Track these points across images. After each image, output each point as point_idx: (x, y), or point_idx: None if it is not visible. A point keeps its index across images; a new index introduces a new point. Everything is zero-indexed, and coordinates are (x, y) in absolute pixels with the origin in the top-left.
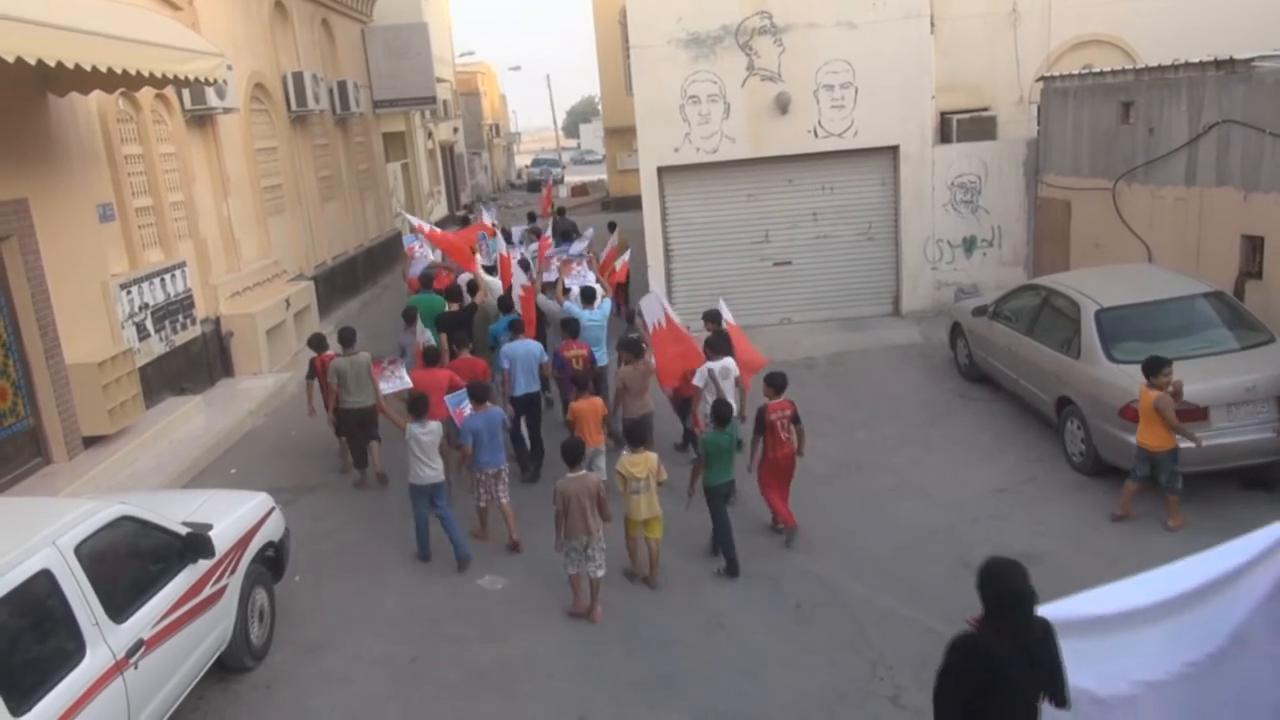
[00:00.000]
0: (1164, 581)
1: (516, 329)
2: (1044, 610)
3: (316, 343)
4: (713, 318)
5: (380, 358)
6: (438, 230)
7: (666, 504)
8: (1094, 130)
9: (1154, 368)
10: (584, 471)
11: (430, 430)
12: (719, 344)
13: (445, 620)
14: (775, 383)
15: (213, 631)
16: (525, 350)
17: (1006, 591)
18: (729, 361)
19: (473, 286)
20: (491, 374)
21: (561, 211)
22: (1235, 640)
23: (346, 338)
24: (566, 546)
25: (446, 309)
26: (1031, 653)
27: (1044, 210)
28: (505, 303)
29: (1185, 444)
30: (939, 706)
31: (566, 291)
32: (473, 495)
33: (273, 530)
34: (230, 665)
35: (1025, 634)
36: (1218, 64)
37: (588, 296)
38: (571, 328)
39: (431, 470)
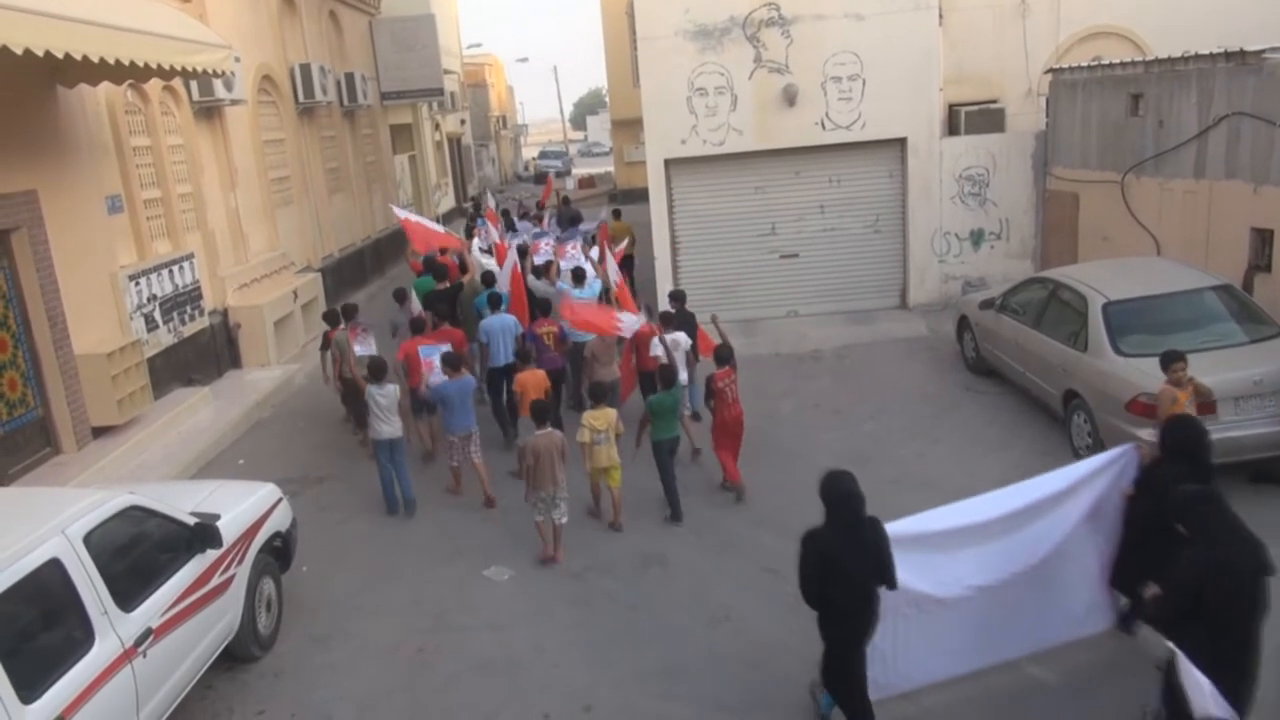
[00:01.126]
0: (998, 502)
1: (494, 304)
2: (893, 526)
3: (331, 317)
4: (677, 297)
5: (355, 325)
6: (412, 219)
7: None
8: (1103, 123)
9: (1164, 361)
10: (550, 429)
11: (387, 392)
12: (671, 319)
13: (452, 611)
14: (721, 354)
15: (220, 621)
16: (501, 324)
17: (841, 491)
18: (680, 335)
19: (462, 266)
20: (471, 345)
21: (566, 201)
22: (1058, 552)
23: (349, 312)
24: (535, 497)
25: (435, 288)
26: (865, 544)
27: (1052, 203)
28: (489, 279)
29: None
30: (804, 592)
31: (558, 271)
32: (447, 457)
33: (280, 521)
34: (238, 654)
35: (859, 528)
36: (1228, 56)
37: (578, 276)
38: (544, 306)
39: (389, 427)
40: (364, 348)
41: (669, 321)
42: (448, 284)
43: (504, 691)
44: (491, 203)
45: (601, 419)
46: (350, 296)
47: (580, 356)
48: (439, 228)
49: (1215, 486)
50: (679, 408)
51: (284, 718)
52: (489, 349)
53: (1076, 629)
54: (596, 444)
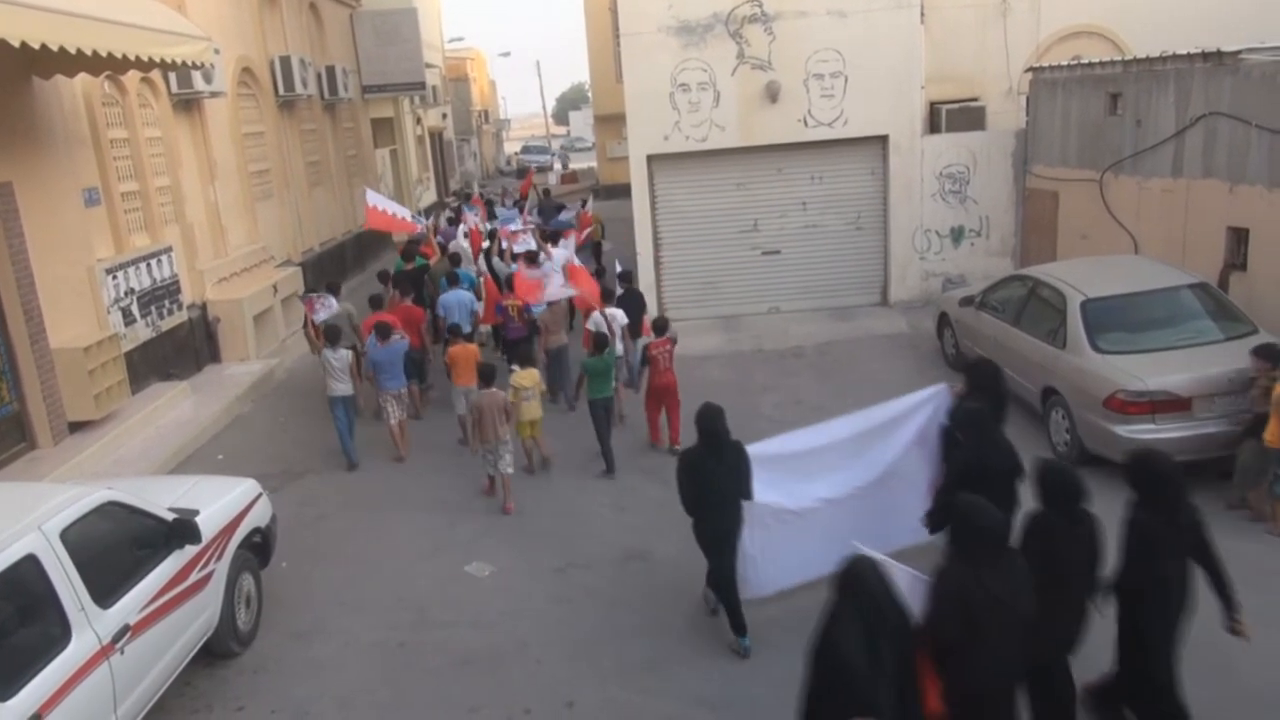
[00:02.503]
0: (839, 429)
1: (452, 281)
2: (753, 448)
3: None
4: (626, 278)
5: (310, 297)
6: (379, 205)
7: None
8: (1082, 121)
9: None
10: (493, 389)
11: (340, 356)
12: (610, 297)
13: (433, 607)
14: (658, 325)
15: (199, 617)
16: (457, 299)
17: (708, 419)
18: (618, 311)
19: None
20: (432, 318)
21: (547, 193)
22: (890, 472)
23: (333, 289)
24: (482, 450)
25: (403, 268)
26: (728, 462)
27: (1032, 201)
28: (455, 259)
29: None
30: (686, 507)
31: (515, 256)
32: (381, 418)
33: (260, 516)
34: (217, 651)
35: (723, 448)
36: (1205, 56)
37: (530, 258)
38: (506, 281)
39: (341, 386)
40: (321, 314)
41: (610, 299)
42: (411, 265)
43: (486, 687)
44: (476, 191)
45: (527, 379)
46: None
47: (534, 329)
48: (405, 214)
49: (1000, 413)
50: (611, 371)
51: (264, 714)
52: (445, 320)
53: (913, 536)
54: (524, 400)
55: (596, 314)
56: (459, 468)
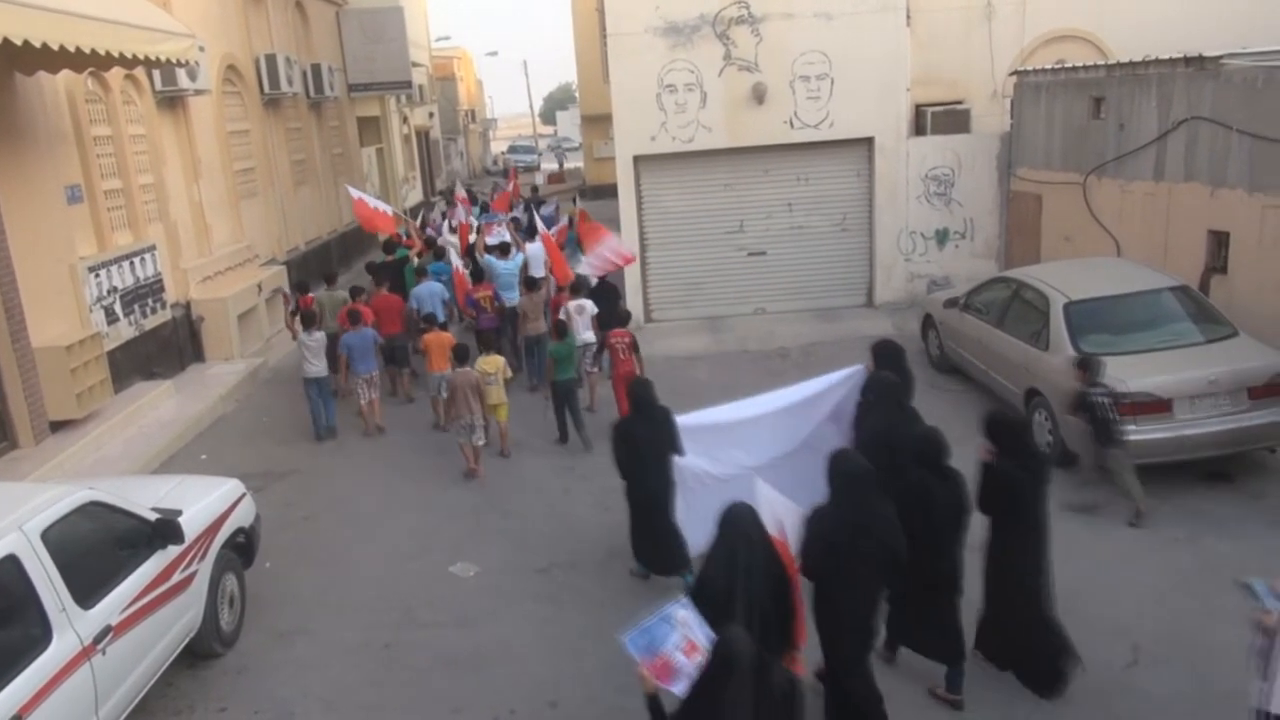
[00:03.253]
0: (764, 403)
1: (421, 273)
2: (682, 418)
3: (301, 287)
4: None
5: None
6: (366, 200)
7: None
8: (1066, 125)
9: None
10: (467, 368)
11: (315, 338)
12: (581, 286)
13: (418, 607)
14: (618, 316)
15: (182, 617)
16: (429, 290)
17: (638, 393)
18: (586, 302)
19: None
20: (406, 308)
21: (535, 189)
22: (806, 444)
23: (329, 278)
24: (455, 425)
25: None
26: (657, 428)
27: (1016, 203)
28: (438, 251)
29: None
30: (620, 471)
31: (488, 248)
32: (354, 396)
33: (243, 516)
34: (200, 651)
35: (653, 414)
36: (1187, 61)
37: (503, 250)
38: (477, 274)
39: (315, 367)
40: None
41: (577, 290)
42: (391, 257)
43: (470, 687)
44: (462, 192)
45: (490, 364)
46: (316, 290)
47: (514, 315)
48: (387, 209)
49: (907, 386)
50: (573, 355)
51: (247, 715)
52: (419, 310)
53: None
54: (487, 384)
55: (568, 304)
56: (439, 449)
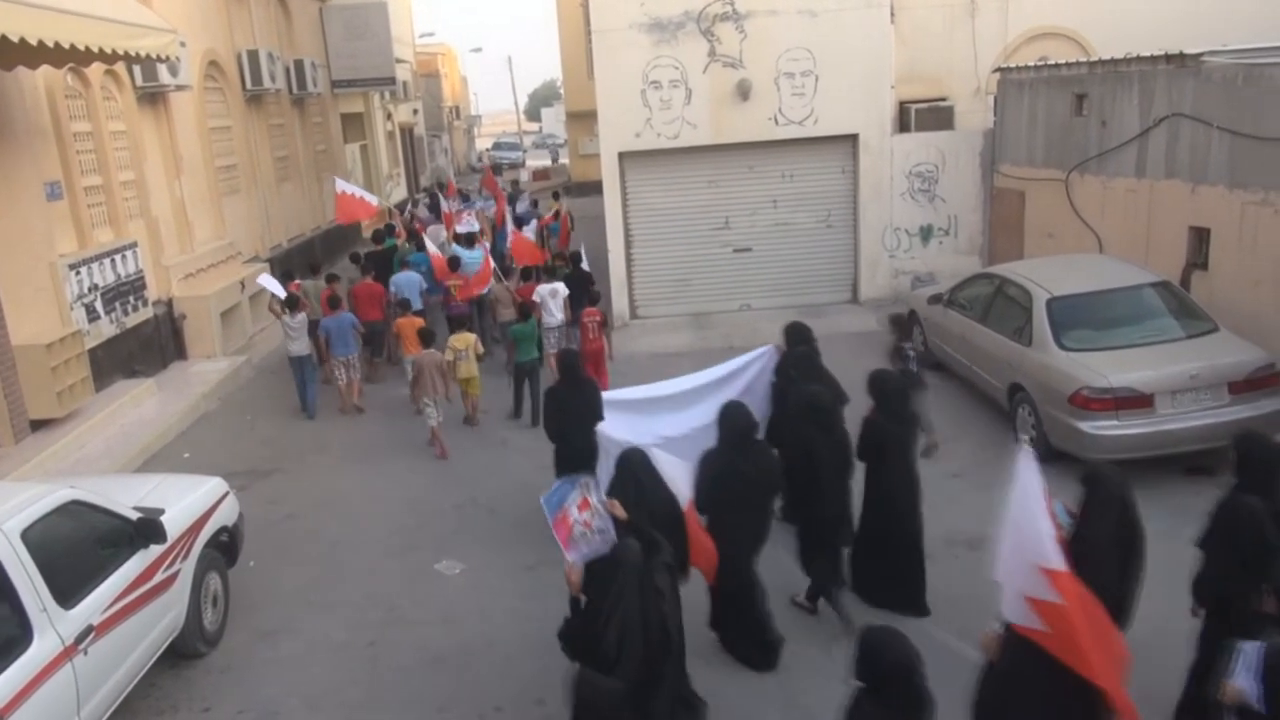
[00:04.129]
0: (683, 382)
1: (401, 263)
2: (607, 395)
3: (287, 275)
4: (575, 259)
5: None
6: (348, 191)
7: None
8: (1048, 122)
9: None
10: (432, 350)
11: (298, 320)
12: (553, 274)
13: (403, 605)
14: (590, 297)
15: (165, 617)
16: (407, 279)
17: (567, 363)
18: (558, 285)
19: (392, 230)
20: (387, 295)
21: (515, 183)
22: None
23: (314, 268)
24: (421, 403)
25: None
26: (585, 397)
27: (999, 200)
28: (419, 242)
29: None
30: (550, 434)
31: (457, 237)
32: (336, 376)
33: (227, 515)
34: (183, 651)
35: (581, 385)
36: (1168, 58)
37: (468, 239)
38: (453, 263)
39: (298, 346)
40: (271, 286)
41: (551, 273)
42: (382, 247)
43: (456, 685)
44: (451, 176)
45: (461, 341)
46: (303, 280)
47: (485, 303)
48: (371, 199)
49: (815, 357)
50: (534, 336)
51: (231, 715)
52: (396, 297)
53: None
54: (458, 360)
55: (540, 287)
56: (420, 439)
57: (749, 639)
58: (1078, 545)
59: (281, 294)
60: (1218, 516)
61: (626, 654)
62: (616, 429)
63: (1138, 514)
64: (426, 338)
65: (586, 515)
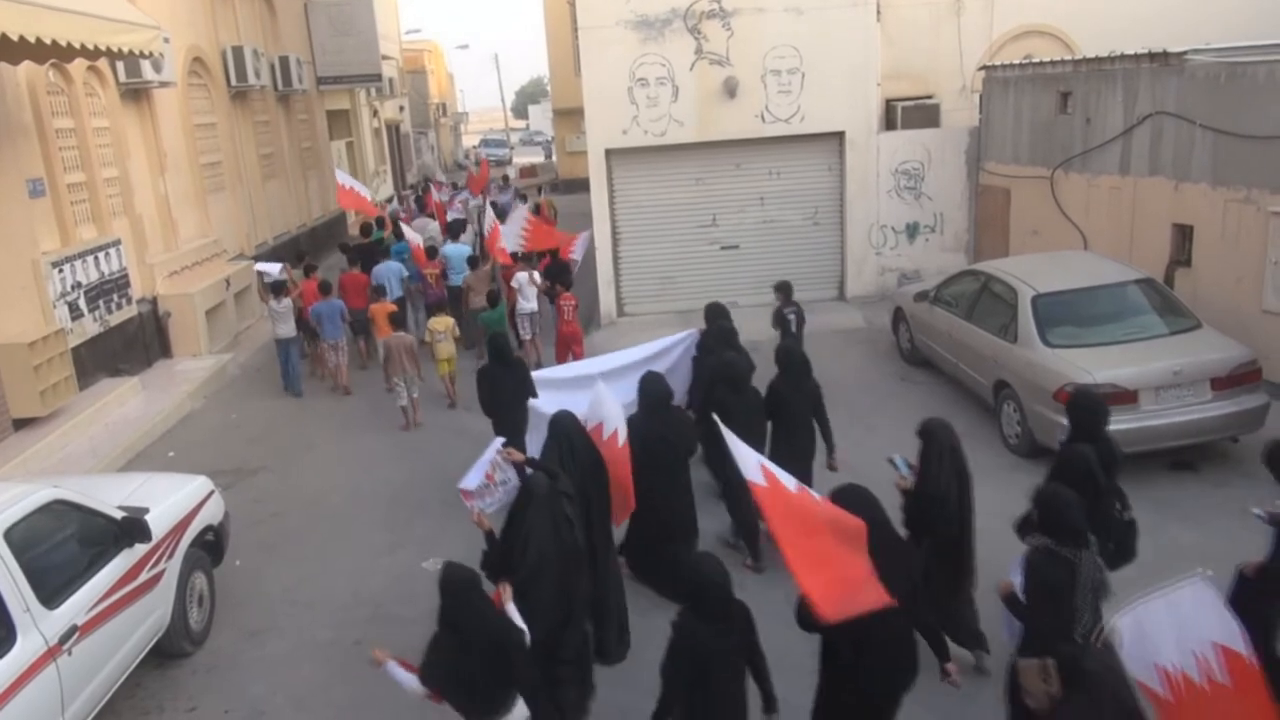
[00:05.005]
0: (610, 360)
1: (384, 254)
2: (537, 373)
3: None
4: (553, 251)
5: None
6: (347, 184)
7: None
8: (1033, 119)
9: None
10: (402, 333)
11: (283, 305)
12: (530, 262)
13: (389, 603)
14: (563, 280)
15: (150, 616)
16: (388, 269)
17: (496, 344)
18: (535, 273)
19: (382, 223)
20: (370, 284)
21: (506, 178)
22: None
23: (310, 270)
24: (391, 382)
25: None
26: (515, 375)
27: (985, 197)
28: (398, 232)
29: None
30: (484, 409)
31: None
32: (327, 358)
33: (212, 514)
34: (168, 650)
35: (510, 364)
36: (1152, 57)
37: (454, 231)
38: (430, 252)
39: (284, 329)
40: (269, 271)
41: (528, 260)
42: (368, 239)
43: None
44: (442, 177)
45: (440, 324)
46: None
47: (460, 291)
48: (367, 194)
49: (731, 332)
50: (503, 321)
51: (217, 714)
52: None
53: None
54: (437, 341)
55: (519, 274)
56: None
57: (669, 574)
58: (922, 488)
59: (277, 275)
60: (1055, 462)
61: (544, 569)
62: (548, 405)
63: (965, 460)
64: (396, 320)
65: (492, 472)
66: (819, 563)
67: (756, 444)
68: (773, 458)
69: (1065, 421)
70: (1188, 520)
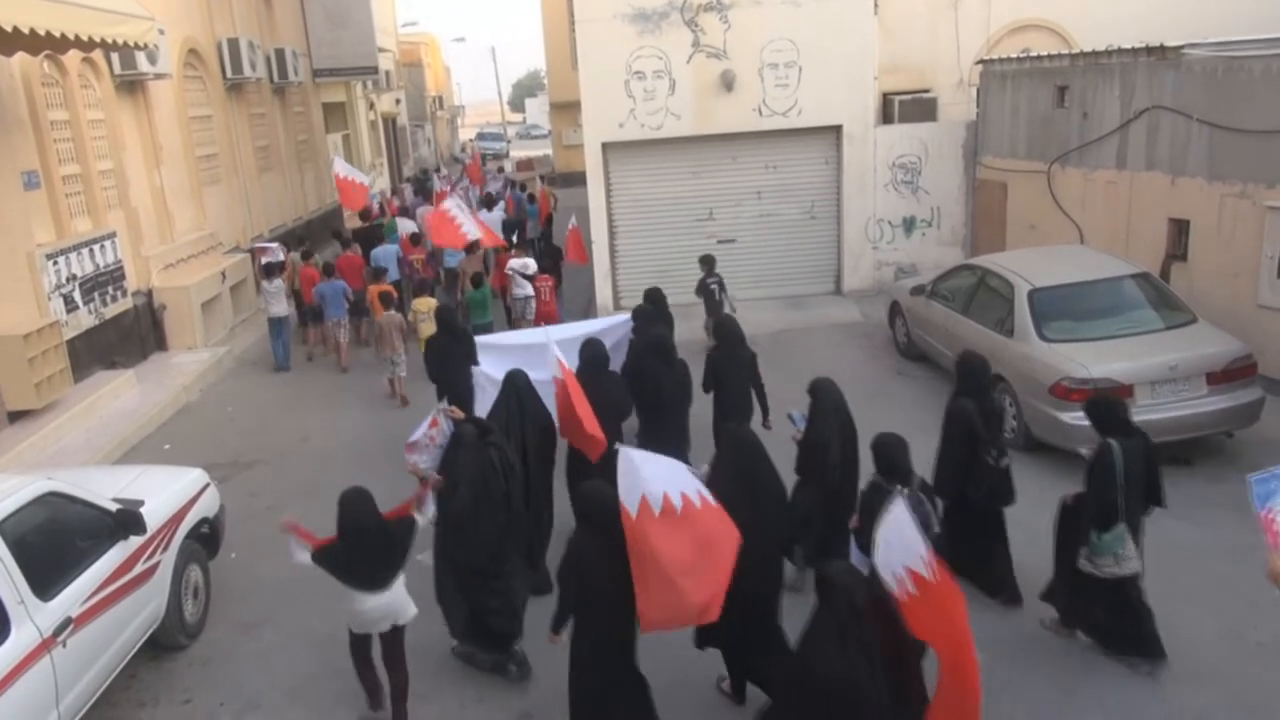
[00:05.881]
0: (552, 332)
1: (382, 238)
2: (480, 339)
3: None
4: (545, 237)
5: (258, 247)
6: (343, 174)
7: None
8: (1030, 113)
9: None
10: (392, 312)
11: (275, 285)
12: (524, 249)
13: None
14: (544, 266)
15: (145, 609)
16: (385, 253)
17: (444, 316)
18: (528, 260)
19: (383, 208)
20: (367, 266)
21: (501, 170)
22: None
23: (307, 255)
24: (380, 358)
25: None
26: (460, 346)
27: (981, 191)
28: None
29: None
30: (430, 375)
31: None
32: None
33: (207, 507)
34: (164, 643)
35: (457, 335)
36: (1149, 51)
37: (488, 204)
38: (414, 239)
39: (277, 308)
40: (268, 257)
41: (522, 248)
42: (367, 223)
43: (436, 675)
44: (445, 171)
45: (423, 305)
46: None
47: (454, 275)
48: (363, 179)
49: (665, 311)
50: (487, 302)
51: (212, 706)
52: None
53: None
54: (420, 321)
55: (513, 260)
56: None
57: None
58: (810, 437)
59: (275, 253)
60: (945, 417)
61: (474, 508)
62: (491, 368)
63: (850, 415)
64: (386, 300)
65: (433, 432)
66: (662, 587)
67: (681, 412)
68: (715, 419)
69: (1061, 416)
70: (1184, 515)
